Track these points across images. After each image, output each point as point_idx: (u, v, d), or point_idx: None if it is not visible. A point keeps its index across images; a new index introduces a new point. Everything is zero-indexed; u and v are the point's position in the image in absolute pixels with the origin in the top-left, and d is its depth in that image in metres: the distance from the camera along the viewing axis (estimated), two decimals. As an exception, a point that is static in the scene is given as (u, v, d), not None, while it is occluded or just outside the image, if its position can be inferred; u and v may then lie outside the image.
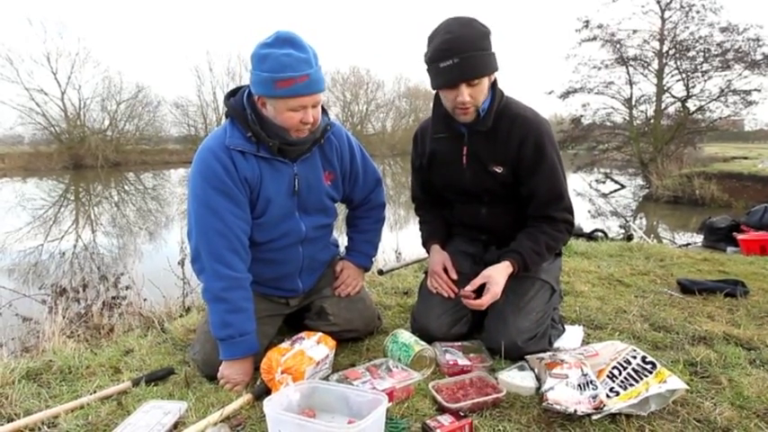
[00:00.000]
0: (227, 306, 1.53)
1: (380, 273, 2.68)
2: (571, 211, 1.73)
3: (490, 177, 1.71)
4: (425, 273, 1.97)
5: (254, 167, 1.56)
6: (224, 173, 1.51)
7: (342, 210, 1.99)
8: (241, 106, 1.56)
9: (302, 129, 1.53)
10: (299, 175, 1.63)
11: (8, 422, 1.36)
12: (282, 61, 1.41)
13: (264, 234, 1.63)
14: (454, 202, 1.91)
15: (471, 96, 1.57)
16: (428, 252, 1.97)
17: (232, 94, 1.63)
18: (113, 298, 3.14)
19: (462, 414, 1.29)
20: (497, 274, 1.63)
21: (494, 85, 1.67)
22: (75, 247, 7.65)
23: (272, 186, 1.59)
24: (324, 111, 1.66)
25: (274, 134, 1.54)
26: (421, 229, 2.02)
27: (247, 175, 1.54)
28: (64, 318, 2.58)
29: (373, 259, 2.00)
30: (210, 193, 1.51)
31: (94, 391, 1.52)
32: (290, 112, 1.48)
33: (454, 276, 1.84)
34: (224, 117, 1.62)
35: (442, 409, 1.34)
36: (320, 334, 1.61)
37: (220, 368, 1.56)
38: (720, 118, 14.70)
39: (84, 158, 21.91)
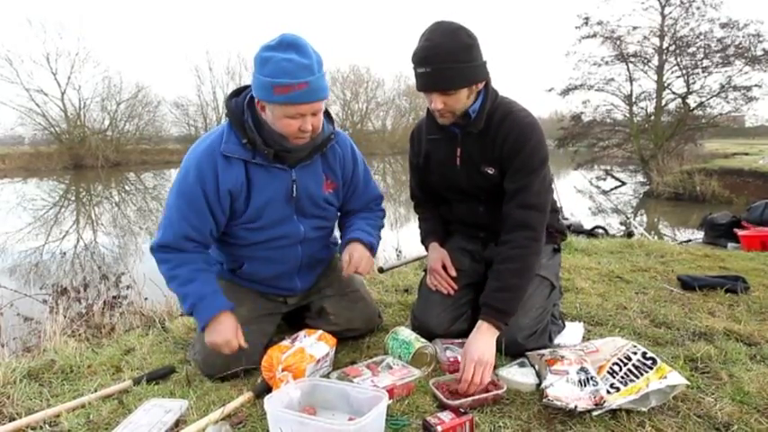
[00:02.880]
0: (179, 281, 1.53)
1: (381, 270, 2.68)
2: (538, 208, 1.58)
3: (483, 178, 1.70)
4: (425, 270, 1.97)
5: (239, 176, 1.53)
6: (198, 182, 1.50)
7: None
8: (240, 110, 1.53)
9: (301, 136, 1.49)
10: (297, 181, 1.60)
11: (10, 421, 1.37)
12: (282, 66, 1.37)
13: (262, 235, 1.62)
14: (452, 201, 1.91)
15: (445, 104, 1.55)
16: (427, 250, 1.98)
17: (236, 93, 1.60)
18: (114, 297, 3.14)
19: (463, 411, 1.29)
20: (471, 346, 1.46)
21: (486, 87, 1.64)
22: (75, 247, 7.67)
23: (267, 192, 1.57)
24: (329, 119, 1.64)
25: (272, 141, 1.51)
26: (420, 227, 2.03)
27: (229, 185, 1.52)
28: (65, 317, 2.58)
29: (377, 245, 1.78)
30: (178, 197, 1.52)
31: (96, 390, 1.52)
32: (287, 119, 1.44)
33: (453, 273, 1.84)
34: (224, 117, 1.60)
35: (442, 406, 1.35)
36: (321, 332, 1.61)
37: (205, 340, 1.54)
38: (721, 114, 14.69)
39: (85, 159, 21.89)
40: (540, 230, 1.59)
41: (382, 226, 1.88)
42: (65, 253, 6.69)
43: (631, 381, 1.35)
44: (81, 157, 21.89)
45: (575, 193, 12.95)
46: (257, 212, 1.58)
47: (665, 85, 14.81)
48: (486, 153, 1.67)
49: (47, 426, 1.34)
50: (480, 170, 1.69)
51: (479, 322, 1.52)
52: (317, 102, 1.45)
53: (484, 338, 1.48)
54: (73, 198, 14.68)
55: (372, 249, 1.73)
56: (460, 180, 1.75)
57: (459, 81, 1.52)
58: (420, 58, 1.51)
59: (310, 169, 1.63)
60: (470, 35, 1.52)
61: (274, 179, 1.57)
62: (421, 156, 1.86)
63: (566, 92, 15.83)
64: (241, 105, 1.54)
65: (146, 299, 3.00)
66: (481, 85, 1.61)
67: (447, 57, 1.48)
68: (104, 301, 3.01)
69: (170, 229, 1.53)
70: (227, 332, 1.52)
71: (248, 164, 1.54)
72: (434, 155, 1.80)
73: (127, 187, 17.44)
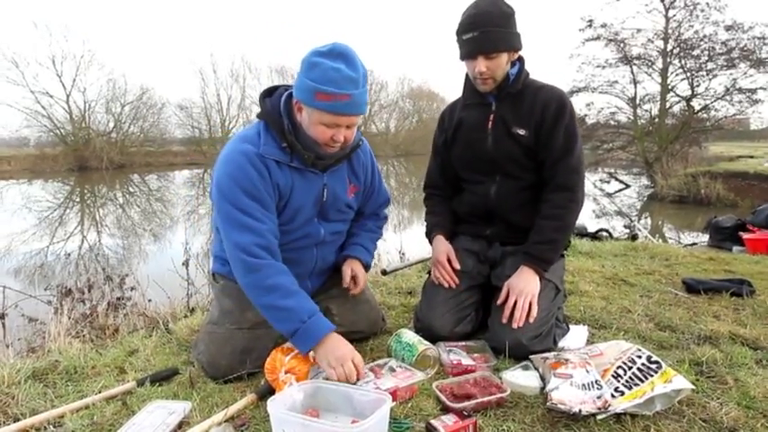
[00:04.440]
0: (280, 293, 1.41)
1: (384, 273, 2.68)
2: (578, 173, 1.75)
3: (512, 141, 1.77)
4: (429, 273, 1.97)
5: (288, 177, 1.54)
6: (258, 178, 1.48)
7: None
8: (277, 112, 1.53)
9: (332, 145, 1.50)
10: (327, 185, 1.62)
11: (14, 422, 1.37)
12: (329, 75, 1.38)
13: (285, 237, 1.61)
14: (466, 183, 1.94)
15: (488, 68, 1.69)
16: (431, 242, 1.99)
17: (268, 93, 1.59)
18: (118, 299, 3.14)
19: (466, 414, 1.29)
20: (513, 282, 1.71)
21: (521, 60, 1.79)
22: (80, 248, 7.69)
23: (301, 196, 1.58)
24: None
25: (307, 145, 1.51)
26: (427, 220, 2.05)
27: (280, 183, 1.52)
28: (69, 318, 2.59)
29: (371, 263, 1.91)
30: (241, 195, 1.46)
31: (99, 392, 1.52)
32: (323, 126, 1.45)
33: (457, 266, 1.86)
34: (256, 117, 1.58)
35: (445, 409, 1.34)
36: (324, 334, 1.60)
37: (322, 364, 1.40)
38: (726, 117, 14.62)
39: (89, 160, 21.98)
40: (580, 192, 1.76)
41: (381, 236, 1.95)
42: (69, 254, 6.73)
43: (636, 385, 1.35)
44: (86, 159, 21.99)
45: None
46: (291, 215, 1.59)
47: (670, 87, 14.76)
48: (522, 115, 1.76)
49: (51, 426, 1.35)
50: (511, 131, 1.77)
51: (521, 267, 1.73)
52: (355, 115, 1.47)
53: (525, 276, 1.70)
54: (77, 199, 14.74)
55: (368, 268, 1.85)
56: (487, 146, 1.81)
57: (502, 44, 1.68)
58: (467, 25, 1.68)
59: (338, 174, 1.66)
60: (510, 6, 1.71)
61: (308, 183, 1.59)
62: (451, 129, 1.93)
63: (569, 94, 15.64)
64: (277, 107, 1.53)
65: (149, 300, 3.01)
66: (517, 55, 1.77)
67: (491, 22, 1.66)
68: (108, 303, 3.02)
69: (256, 226, 1.44)
70: (346, 348, 1.41)
71: (288, 167, 1.54)
72: (466, 122, 1.88)
73: (131, 189, 17.51)
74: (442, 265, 1.87)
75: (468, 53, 1.71)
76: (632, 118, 15.54)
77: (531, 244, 1.75)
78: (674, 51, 14.33)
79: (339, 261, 1.79)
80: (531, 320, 1.65)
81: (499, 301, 1.71)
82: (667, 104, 15.01)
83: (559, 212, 1.74)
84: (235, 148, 1.52)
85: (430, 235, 2.00)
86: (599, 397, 1.31)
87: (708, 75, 13.95)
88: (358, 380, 1.39)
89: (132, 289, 3.26)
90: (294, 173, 1.55)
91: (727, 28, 13.44)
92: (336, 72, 1.38)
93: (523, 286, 1.69)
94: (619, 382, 1.37)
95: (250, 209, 1.47)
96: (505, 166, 1.81)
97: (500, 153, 1.80)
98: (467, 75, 1.84)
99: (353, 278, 1.75)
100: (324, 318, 1.46)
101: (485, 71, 1.69)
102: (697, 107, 14.52)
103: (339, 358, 1.39)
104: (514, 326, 1.64)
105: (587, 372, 1.39)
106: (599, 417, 1.28)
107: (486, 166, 1.84)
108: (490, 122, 1.81)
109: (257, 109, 1.60)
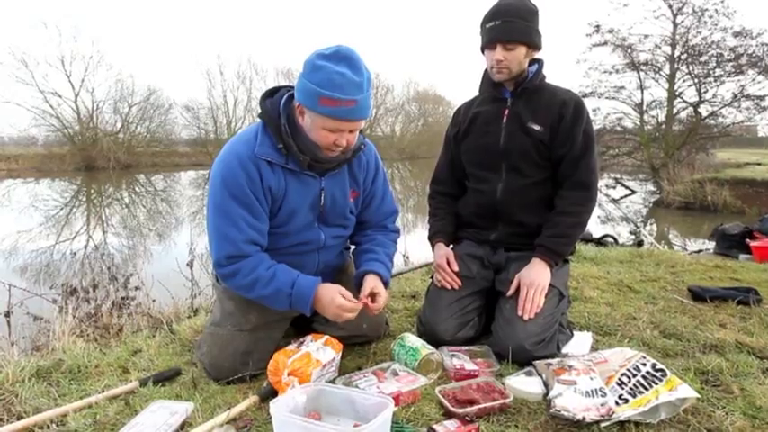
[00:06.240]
0: (261, 283, 1.49)
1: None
2: (596, 173, 1.80)
3: (526, 136, 1.79)
4: (432, 277, 1.97)
5: (280, 179, 1.53)
6: (247, 182, 1.47)
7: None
8: (276, 113, 1.51)
9: (334, 149, 1.49)
10: (325, 189, 1.60)
11: (18, 420, 1.37)
12: (334, 79, 1.36)
13: (285, 241, 1.61)
14: (471, 183, 1.95)
15: (505, 58, 1.73)
16: (433, 248, 2.00)
17: (270, 94, 1.58)
18: (123, 298, 3.16)
19: (469, 419, 1.28)
20: (524, 274, 1.73)
21: (540, 63, 1.83)
22: (86, 247, 7.73)
23: (297, 199, 1.57)
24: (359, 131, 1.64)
25: (306, 148, 1.50)
26: (430, 223, 2.06)
27: (272, 185, 1.51)
28: (74, 317, 2.60)
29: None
30: (228, 200, 1.48)
31: (103, 391, 1.53)
32: (325, 131, 1.44)
33: (455, 268, 1.87)
34: (257, 118, 1.58)
35: (448, 414, 1.34)
36: (327, 337, 1.60)
37: (326, 315, 1.54)
38: (733, 123, 14.55)
39: (96, 160, 22.12)
40: (596, 192, 1.81)
41: (396, 251, 1.86)
42: (75, 253, 6.75)
43: (640, 392, 1.34)
44: (93, 159, 22.12)
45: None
46: (286, 218, 1.58)
47: (677, 93, 14.70)
48: (538, 111, 1.79)
49: (54, 425, 1.35)
50: (526, 126, 1.79)
51: (533, 260, 1.76)
52: (359, 120, 1.45)
53: (537, 268, 1.73)
54: (84, 199, 14.83)
55: (387, 284, 1.69)
56: (499, 139, 1.83)
57: (521, 36, 1.73)
58: (492, 14, 1.75)
59: (338, 178, 1.63)
60: (535, 5, 1.77)
61: (304, 186, 1.57)
62: (465, 122, 1.94)
63: (576, 99, 15.71)
64: (277, 107, 1.52)
65: (153, 300, 3.02)
66: (536, 54, 1.81)
67: (514, 13, 1.72)
68: (113, 302, 3.03)
69: (234, 236, 1.48)
70: (334, 296, 1.51)
71: (283, 169, 1.53)
72: (481, 115, 1.90)
73: (137, 189, 17.58)
74: (443, 268, 1.88)
75: (489, 41, 1.75)
76: (639, 124, 15.49)
77: (545, 237, 1.77)
78: (682, 57, 14.29)
79: (358, 276, 1.68)
80: (538, 310, 1.67)
81: (510, 293, 1.73)
82: (674, 110, 14.94)
83: (577, 209, 1.77)
84: (229, 150, 1.52)
85: (431, 240, 2.01)
86: (603, 404, 1.30)
87: (715, 81, 13.89)
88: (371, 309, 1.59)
89: (137, 289, 3.27)
90: (289, 175, 1.54)
91: (736, 34, 13.39)
92: (341, 77, 1.36)
93: (534, 277, 1.71)
94: (623, 389, 1.36)
95: (233, 215, 1.48)
96: (514, 160, 1.82)
97: (511, 147, 1.81)
98: (485, 72, 1.87)
99: (373, 295, 1.60)
100: (304, 279, 1.53)
101: (501, 60, 1.73)
102: (704, 113, 14.46)
103: (332, 315, 1.52)
104: (525, 317, 1.66)
105: (591, 378, 1.39)
106: (602, 424, 1.27)
107: (494, 161, 1.85)
108: (505, 117, 1.83)
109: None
